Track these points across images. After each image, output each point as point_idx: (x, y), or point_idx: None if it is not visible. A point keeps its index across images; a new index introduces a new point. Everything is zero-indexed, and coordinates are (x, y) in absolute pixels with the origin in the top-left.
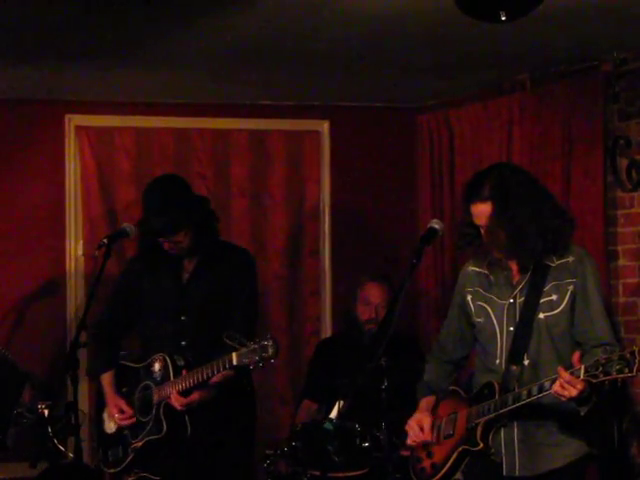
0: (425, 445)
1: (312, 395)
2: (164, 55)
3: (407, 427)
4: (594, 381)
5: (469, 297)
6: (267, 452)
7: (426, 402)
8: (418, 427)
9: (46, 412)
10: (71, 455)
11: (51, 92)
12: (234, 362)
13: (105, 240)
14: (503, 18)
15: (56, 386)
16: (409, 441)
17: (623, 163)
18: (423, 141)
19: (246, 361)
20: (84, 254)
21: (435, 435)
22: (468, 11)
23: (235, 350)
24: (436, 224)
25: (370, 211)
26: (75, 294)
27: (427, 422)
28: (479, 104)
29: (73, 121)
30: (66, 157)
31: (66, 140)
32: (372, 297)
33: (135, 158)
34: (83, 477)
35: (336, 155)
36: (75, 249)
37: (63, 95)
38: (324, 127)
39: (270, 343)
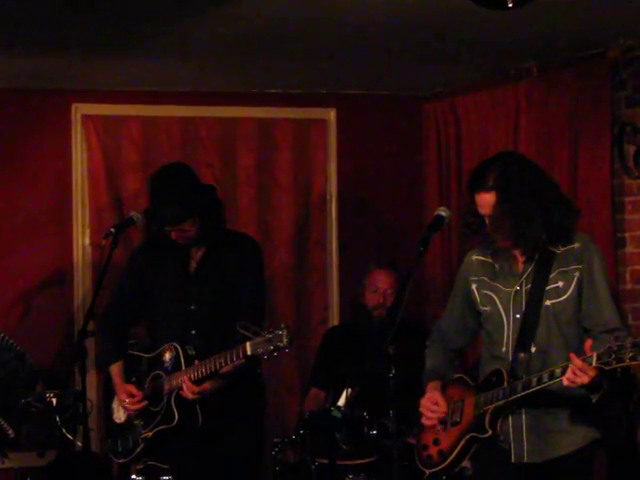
0: (436, 430)
1: (320, 383)
2: (170, 44)
3: (421, 408)
4: (607, 368)
5: (474, 286)
6: (275, 440)
7: (433, 385)
8: (432, 403)
9: (54, 401)
10: (79, 444)
11: (57, 81)
12: (248, 352)
13: (112, 229)
14: (510, 5)
15: (64, 375)
16: (425, 421)
17: (630, 150)
18: (430, 129)
19: (260, 351)
20: (91, 243)
21: (442, 423)
22: None
23: (249, 340)
24: (443, 212)
25: (377, 199)
26: (82, 283)
27: (440, 398)
28: (486, 92)
29: (80, 110)
30: (73, 146)
31: (73, 129)
32: (380, 283)
33: (142, 147)
34: (91, 466)
35: (343, 143)
36: (82, 238)
37: (69, 84)
38: (331, 115)
39: (284, 332)
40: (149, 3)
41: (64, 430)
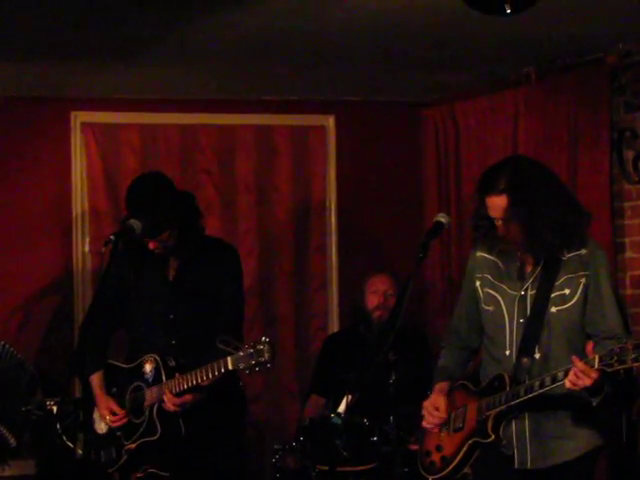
0: (439, 435)
1: (320, 390)
2: (169, 52)
3: (423, 410)
4: (609, 370)
5: (478, 283)
6: (275, 447)
7: (440, 387)
8: (433, 407)
9: (55, 409)
10: (80, 452)
11: (57, 89)
12: (230, 367)
13: (112, 237)
14: (508, 11)
15: (64, 383)
16: (425, 424)
17: (629, 155)
18: (429, 135)
19: (242, 366)
20: (90, 251)
21: (445, 429)
22: (473, 4)
23: (230, 354)
24: (442, 218)
25: (376, 205)
26: (82, 291)
27: (442, 403)
28: (484, 97)
29: (79, 118)
30: (72, 154)
31: (72, 137)
32: (379, 284)
33: (141, 154)
34: (92, 473)
35: (342, 150)
36: (82, 246)
37: (69, 92)
38: (329, 122)
39: (266, 348)
40: (148, 12)
41: (64, 438)
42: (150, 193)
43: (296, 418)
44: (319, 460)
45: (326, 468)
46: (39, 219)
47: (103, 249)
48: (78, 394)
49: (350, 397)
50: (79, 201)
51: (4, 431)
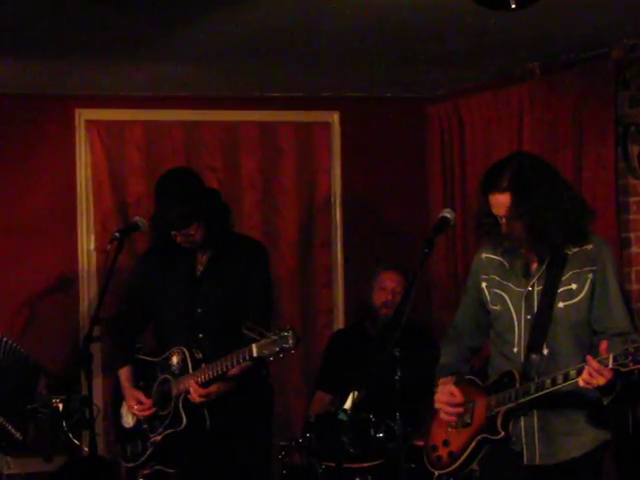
0: (446, 430)
1: (326, 386)
2: (173, 48)
3: (436, 403)
4: (623, 370)
5: (484, 284)
6: (282, 444)
7: (444, 381)
8: (448, 395)
9: (61, 406)
10: (86, 449)
11: (61, 87)
12: (254, 354)
13: (117, 234)
14: (513, 6)
15: (70, 381)
16: (443, 415)
17: (634, 150)
18: (433, 131)
19: (266, 352)
20: (96, 248)
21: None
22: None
23: (255, 341)
24: (448, 213)
25: (381, 201)
26: (88, 288)
27: (454, 388)
28: (489, 93)
29: (83, 115)
30: (77, 151)
31: (76, 134)
32: (388, 281)
33: (145, 151)
34: (99, 470)
35: (346, 146)
36: (87, 243)
37: (73, 89)
38: (334, 118)
39: (290, 334)
40: (152, 9)
41: (70, 435)
42: (178, 186)
43: (302, 415)
44: (325, 457)
45: (332, 464)
46: (44, 216)
47: (108, 246)
48: (84, 392)
49: (356, 393)
50: (84, 198)
51: (9, 427)
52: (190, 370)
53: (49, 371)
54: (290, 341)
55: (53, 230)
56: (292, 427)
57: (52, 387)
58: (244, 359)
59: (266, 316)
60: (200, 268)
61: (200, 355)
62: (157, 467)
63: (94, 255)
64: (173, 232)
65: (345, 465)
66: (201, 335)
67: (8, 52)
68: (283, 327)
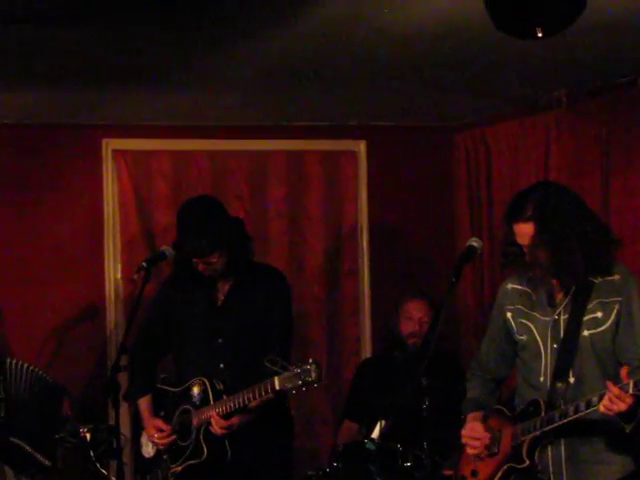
0: (474, 460)
1: (353, 415)
2: (200, 79)
3: (463, 439)
4: None
5: (509, 314)
6: (309, 473)
7: (473, 416)
8: (473, 432)
9: (88, 436)
10: (114, 479)
11: (88, 117)
12: (277, 387)
13: (144, 264)
14: (539, 35)
15: (97, 410)
16: (469, 450)
17: None
18: (460, 159)
19: (289, 386)
20: (123, 277)
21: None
22: (505, 29)
23: (277, 374)
24: (475, 242)
25: (408, 230)
26: (114, 317)
27: (479, 426)
28: (516, 121)
29: (110, 145)
30: (104, 181)
31: (104, 164)
32: (414, 311)
33: (172, 181)
34: None
35: (373, 175)
36: (114, 272)
37: (100, 119)
38: (361, 147)
39: (313, 367)
40: (178, 39)
41: (98, 465)
42: (201, 213)
43: (329, 444)
44: None
45: None
46: (72, 246)
47: (135, 276)
48: (112, 421)
49: (384, 422)
50: (111, 228)
51: (37, 455)
52: (211, 401)
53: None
54: (313, 374)
55: (80, 259)
56: (320, 456)
57: (76, 408)
58: (266, 392)
59: (286, 348)
60: (221, 297)
61: (221, 386)
62: None
63: (121, 284)
64: (194, 260)
65: None
66: (222, 365)
67: (36, 82)
68: (305, 360)
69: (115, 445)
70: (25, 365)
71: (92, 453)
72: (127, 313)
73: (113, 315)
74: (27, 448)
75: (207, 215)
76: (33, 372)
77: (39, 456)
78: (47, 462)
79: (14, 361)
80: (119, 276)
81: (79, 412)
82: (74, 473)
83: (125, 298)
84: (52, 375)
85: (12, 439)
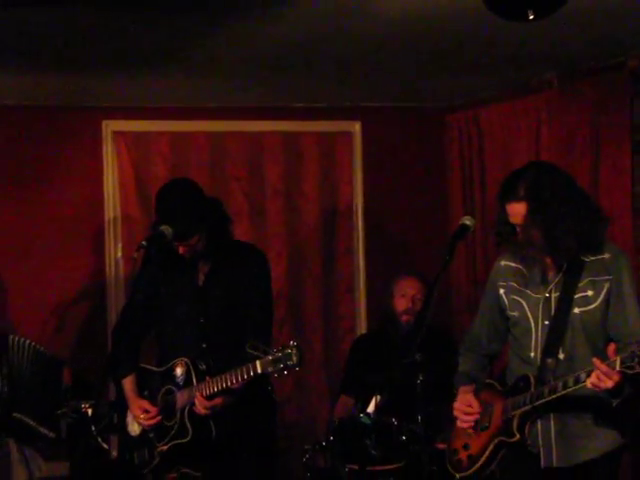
0: (466, 433)
1: (349, 390)
2: (198, 61)
3: (455, 411)
4: (630, 372)
5: (502, 291)
6: (306, 447)
7: (464, 389)
8: (465, 405)
9: (90, 412)
10: (114, 453)
11: (89, 99)
12: (259, 370)
13: (144, 242)
14: (531, 17)
15: (99, 387)
16: (460, 424)
17: None
18: (453, 140)
19: (270, 369)
20: (123, 256)
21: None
22: (496, 10)
23: (259, 358)
24: (467, 220)
25: (402, 208)
26: (115, 295)
27: (473, 399)
28: (507, 103)
29: (110, 127)
30: (104, 162)
31: (104, 145)
32: (408, 289)
33: (171, 162)
34: (126, 474)
35: (368, 155)
36: (114, 251)
37: (100, 101)
38: (356, 128)
39: (294, 351)
40: (178, 23)
41: (99, 439)
42: (179, 198)
43: (326, 418)
44: (349, 459)
45: (356, 467)
46: (73, 225)
47: (135, 254)
48: (112, 397)
49: (379, 397)
50: (111, 208)
51: (40, 429)
52: (194, 382)
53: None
54: (294, 358)
55: (81, 238)
56: (316, 430)
57: (76, 379)
58: (249, 375)
59: (267, 326)
60: (202, 278)
61: (204, 367)
62: (184, 470)
63: (121, 263)
64: (175, 243)
65: (368, 467)
66: (204, 345)
67: (36, 65)
68: (287, 344)
69: (115, 420)
70: (27, 341)
71: (93, 428)
72: (127, 291)
73: (114, 293)
74: (31, 422)
75: (184, 200)
76: (35, 348)
77: (43, 429)
78: (51, 434)
79: (17, 338)
80: (119, 255)
81: (80, 389)
82: (76, 445)
83: (125, 276)
84: (53, 351)
85: (15, 414)
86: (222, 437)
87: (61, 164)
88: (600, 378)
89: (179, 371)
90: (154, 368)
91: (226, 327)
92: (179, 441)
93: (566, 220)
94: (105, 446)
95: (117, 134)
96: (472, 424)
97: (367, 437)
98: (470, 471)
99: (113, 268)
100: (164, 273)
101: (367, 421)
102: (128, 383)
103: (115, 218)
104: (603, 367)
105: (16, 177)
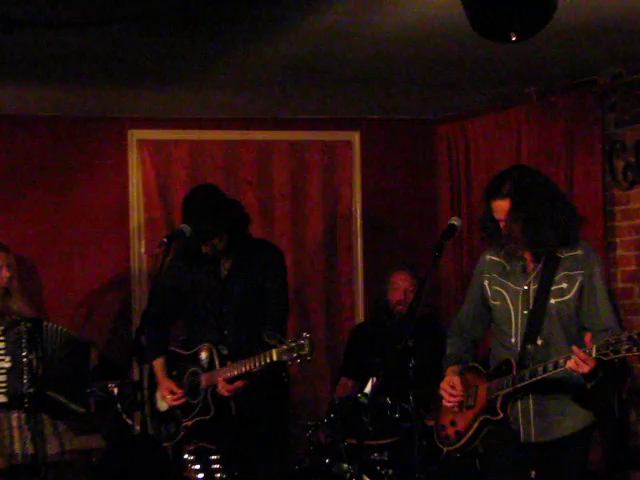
0: (453, 411)
1: (349, 373)
2: (216, 76)
3: (441, 391)
4: (605, 359)
5: (486, 282)
6: (309, 423)
7: (452, 369)
8: (450, 386)
9: (115, 391)
10: (138, 428)
11: (115, 110)
12: (274, 358)
13: (165, 239)
14: (513, 38)
15: (124, 368)
16: (445, 402)
17: (619, 165)
18: (442, 149)
19: (285, 358)
20: (146, 251)
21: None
22: (482, 32)
23: (275, 347)
24: (455, 221)
25: (397, 210)
26: (139, 286)
27: (457, 381)
28: (491, 115)
29: (135, 135)
30: (129, 167)
31: (129, 152)
32: (401, 282)
33: (190, 167)
34: (149, 447)
35: (366, 162)
36: (138, 247)
37: (126, 112)
38: (355, 137)
39: (307, 342)
40: (199, 41)
41: (124, 416)
42: (203, 204)
43: (327, 398)
44: (348, 434)
45: (354, 441)
46: (102, 225)
47: (157, 250)
48: (136, 377)
49: (375, 379)
50: (136, 208)
51: (71, 405)
52: (217, 365)
53: (105, 361)
54: (306, 348)
55: (109, 236)
56: (318, 409)
57: (102, 360)
58: (265, 362)
59: (282, 319)
60: (224, 272)
61: (226, 352)
62: (200, 444)
63: (145, 258)
64: (198, 242)
65: (365, 442)
66: (226, 332)
67: (68, 78)
68: (300, 335)
69: (139, 399)
70: (59, 327)
71: (119, 406)
72: (149, 283)
73: (137, 284)
74: (62, 399)
75: (207, 206)
76: (66, 332)
77: (73, 405)
78: (81, 409)
79: (49, 324)
80: (143, 250)
81: (107, 369)
82: (104, 420)
83: (148, 270)
84: (83, 335)
85: (49, 393)
86: (241, 415)
87: (92, 169)
88: (578, 364)
89: (203, 355)
90: (182, 351)
91: (246, 315)
92: (202, 418)
93: (545, 216)
94: (129, 422)
95: (141, 142)
96: (456, 405)
97: (364, 415)
98: (457, 446)
99: (137, 263)
100: (190, 267)
101: (364, 400)
102: (158, 365)
103: (139, 218)
104: (581, 354)
105: (52, 181)
